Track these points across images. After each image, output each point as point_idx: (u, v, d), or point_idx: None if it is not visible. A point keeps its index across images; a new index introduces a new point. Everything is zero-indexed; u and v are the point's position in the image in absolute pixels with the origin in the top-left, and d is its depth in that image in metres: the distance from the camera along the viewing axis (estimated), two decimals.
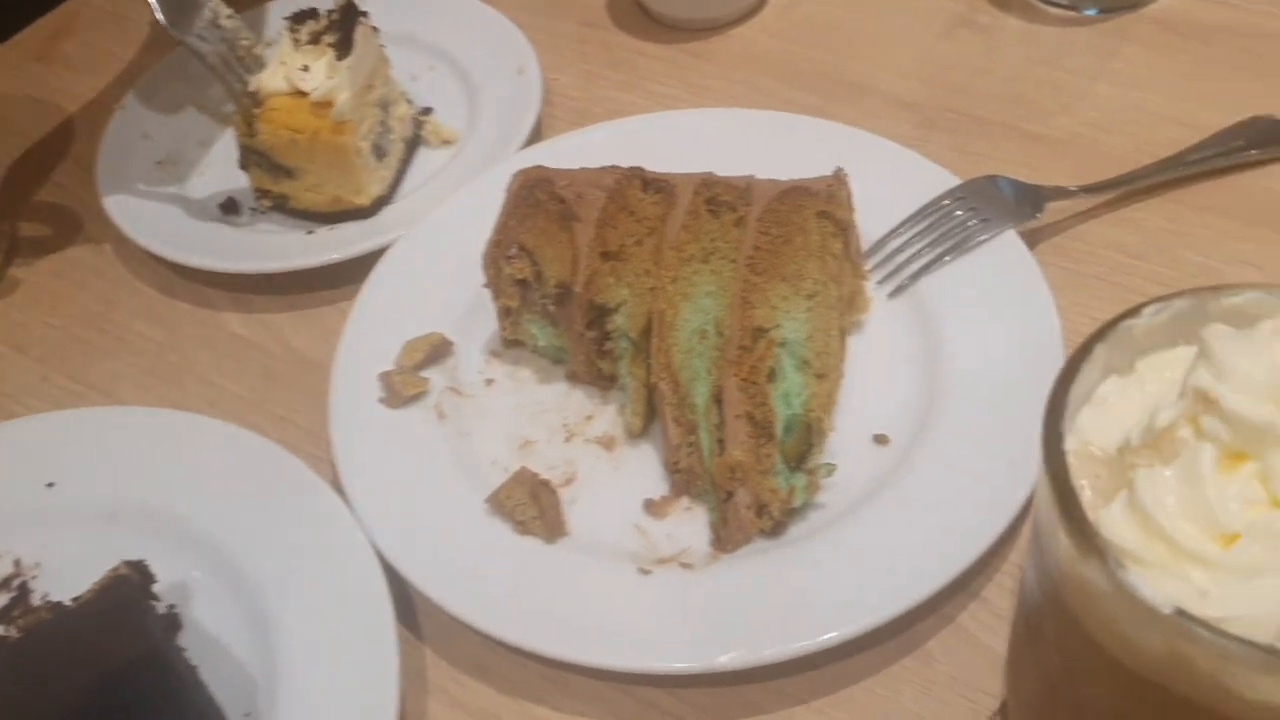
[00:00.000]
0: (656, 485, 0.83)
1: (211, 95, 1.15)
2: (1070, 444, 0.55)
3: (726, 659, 0.72)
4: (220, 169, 1.10)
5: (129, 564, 0.76)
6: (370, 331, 0.92)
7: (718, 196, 0.85)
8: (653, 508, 0.82)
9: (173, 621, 0.80)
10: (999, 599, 0.77)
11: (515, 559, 0.79)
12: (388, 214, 1.04)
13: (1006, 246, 0.90)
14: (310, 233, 1.04)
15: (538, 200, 0.86)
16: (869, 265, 0.93)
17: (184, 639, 0.79)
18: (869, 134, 0.99)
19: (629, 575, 0.78)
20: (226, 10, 1.04)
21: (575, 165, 0.91)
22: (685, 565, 0.78)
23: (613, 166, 0.88)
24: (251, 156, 1.02)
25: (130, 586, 0.74)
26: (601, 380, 0.89)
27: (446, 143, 1.10)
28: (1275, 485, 0.48)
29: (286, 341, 1.00)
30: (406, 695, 0.78)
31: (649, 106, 1.11)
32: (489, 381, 0.91)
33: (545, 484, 0.81)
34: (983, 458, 0.79)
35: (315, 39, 0.99)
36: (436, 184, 1.05)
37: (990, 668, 0.74)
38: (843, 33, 1.18)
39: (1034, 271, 0.88)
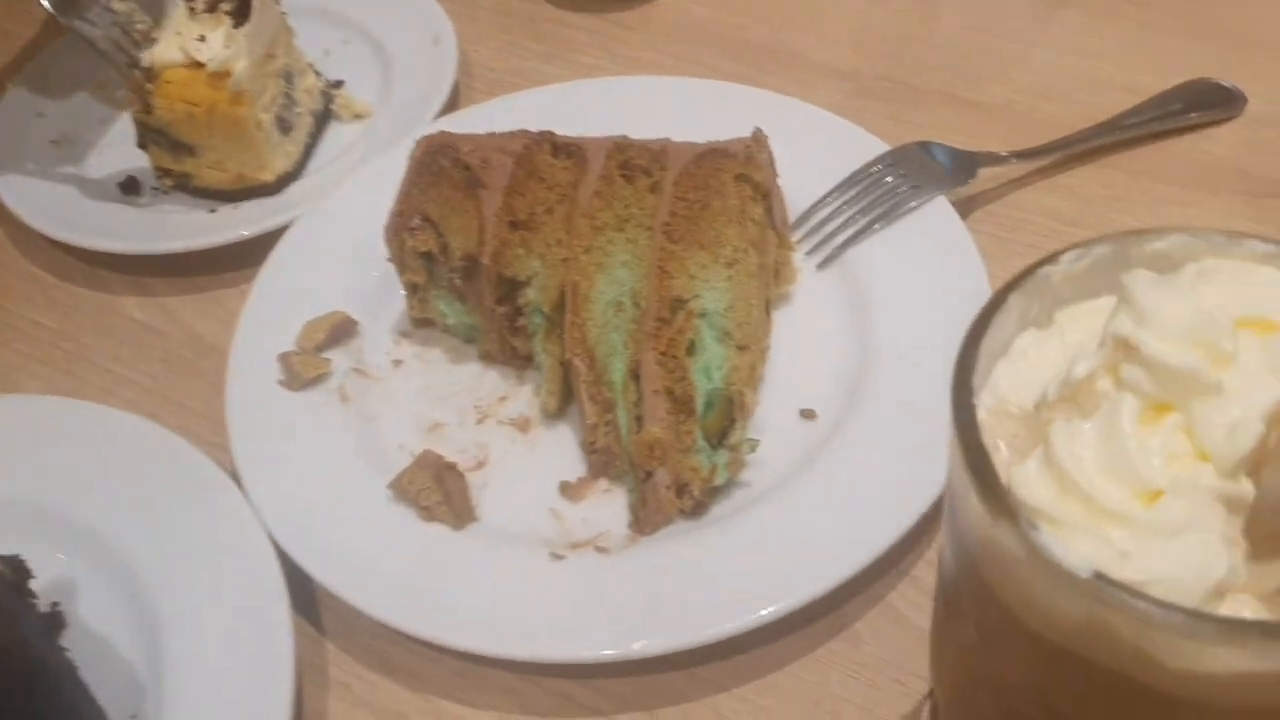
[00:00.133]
0: (573, 467, 0.79)
1: (111, 74, 1.09)
2: (985, 401, 0.51)
3: (640, 645, 0.68)
4: (120, 148, 1.04)
5: (2, 559, 0.71)
6: (271, 312, 0.87)
7: (632, 161, 0.81)
8: (569, 491, 0.78)
9: (55, 620, 0.75)
10: (929, 577, 0.74)
11: (421, 547, 0.75)
12: (295, 190, 0.99)
13: (937, 213, 0.87)
14: (213, 211, 0.99)
15: (441, 168, 0.82)
16: (797, 236, 0.89)
17: (67, 638, 0.74)
18: (798, 101, 0.95)
19: (541, 561, 0.73)
20: None
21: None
22: (601, 549, 0.74)
23: (521, 131, 0.84)
24: (149, 134, 0.97)
25: (1, 583, 0.69)
26: (516, 359, 0.84)
27: (358, 117, 1.05)
28: (1201, 437, 0.44)
29: (188, 326, 0.94)
30: (306, 694, 0.73)
31: (573, 78, 1.07)
32: (397, 363, 0.86)
33: (451, 468, 0.76)
34: (912, 430, 0.75)
35: (211, 7, 0.94)
36: (347, 159, 1.01)
37: (921, 648, 0.70)
38: (774, 1, 1.15)
39: (965, 239, 0.85)
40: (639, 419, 0.75)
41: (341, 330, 0.86)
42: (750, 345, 0.76)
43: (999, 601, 0.48)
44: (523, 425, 0.82)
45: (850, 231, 0.87)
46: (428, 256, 0.82)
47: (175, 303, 0.96)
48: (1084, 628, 0.44)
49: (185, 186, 1.00)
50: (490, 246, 0.79)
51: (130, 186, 1.02)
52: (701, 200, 0.78)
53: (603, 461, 0.78)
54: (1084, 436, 0.46)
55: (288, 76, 0.99)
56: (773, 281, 0.84)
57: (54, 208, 0.99)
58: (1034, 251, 0.88)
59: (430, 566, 0.74)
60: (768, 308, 0.83)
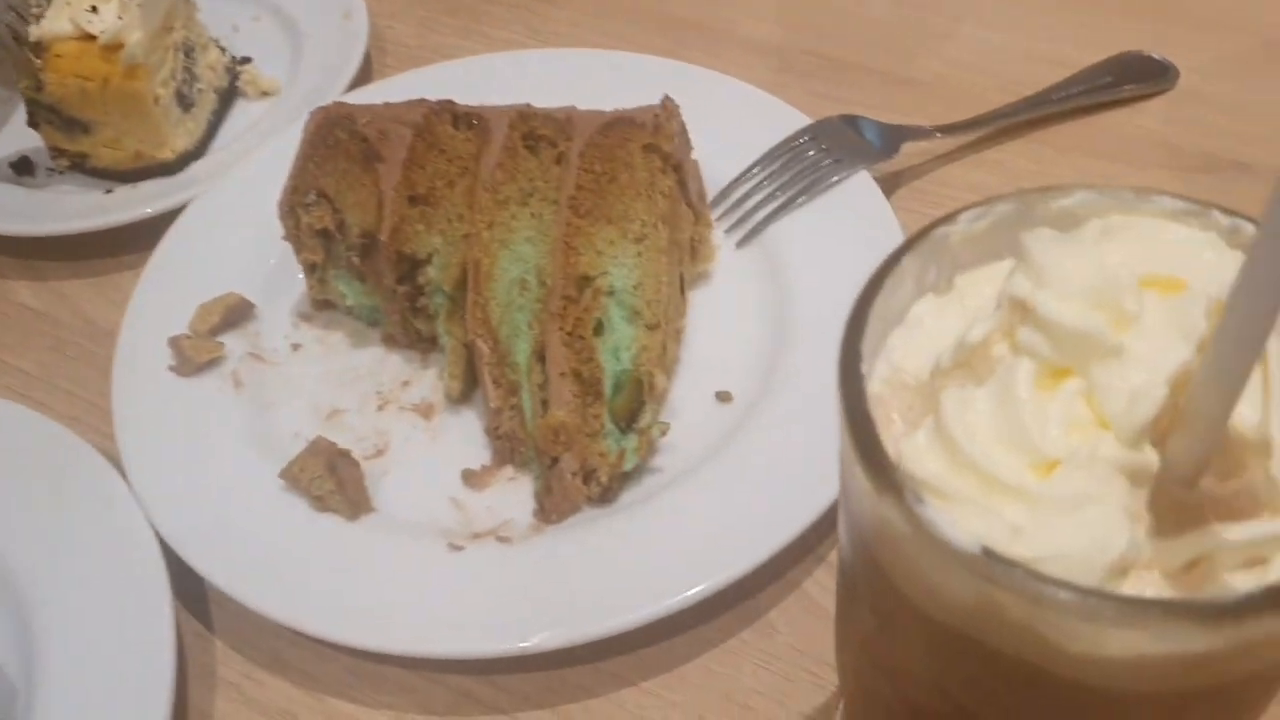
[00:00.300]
0: (478, 455, 0.75)
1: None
2: (879, 371, 0.48)
3: (541, 639, 0.65)
4: (14, 127, 1.00)
5: None
6: (162, 294, 0.83)
7: (536, 131, 0.77)
8: (472, 479, 0.74)
9: None
10: None
11: (313, 539, 0.71)
12: (196, 169, 0.95)
13: (860, 188, 0.84)
14: (109, 192, 0.94)
15: (337, 140, 0.78)
16: (716, 213, 0.86)
17: None
18: (718, 74, 0.92)
19: (439, 553, 0.69)
20: None
21: None
22: (503, 539, 0.70)
23: (420, 100, 0.80)
24: (41, 112, 0.92)
25: None
26: (421, 343, 0.80)
27: (266, 94, 1.01)
28: (1101, 404, 0.41)
29: (81, 311, 0.90)
30: (191, 694, 0.69)
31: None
32: (295, 347, 0.82)
33: (345, 455, 0.72)
34: (829, 411, 0.72)
35: None
36: (253, 137, 0.97)
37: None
38: None
39: (888, 214, 0.82)
40: (544, 403, 0.72)
41: (237, 313, 0.82)
42: (661, 324, 0.73)
43: (891, 583, 0.44)
44: (426, 411, 0.78)
45: (771, 207, 0.84)
46: (324, 234, 0.78)
47: (69, 287, 0.92)
48: (976, 610, 0.41)
49: (81, 166, 0.96)
50: (388, 223, 0.75)
51: (23, 167, 0.97)
52: (608, 172, 0.74)
53: (507, 448, 0.74)
54: (977, 405, 0.43)
55: (188, 50, 0.95)
56: (688, 259, 0.81)
57: None
58: None
59: (323, 559, 0.70)
60: (682, 286, 0.79)
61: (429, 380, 0.80)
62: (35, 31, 0.89)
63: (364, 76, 1.01)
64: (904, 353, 0.49)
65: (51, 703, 0.65)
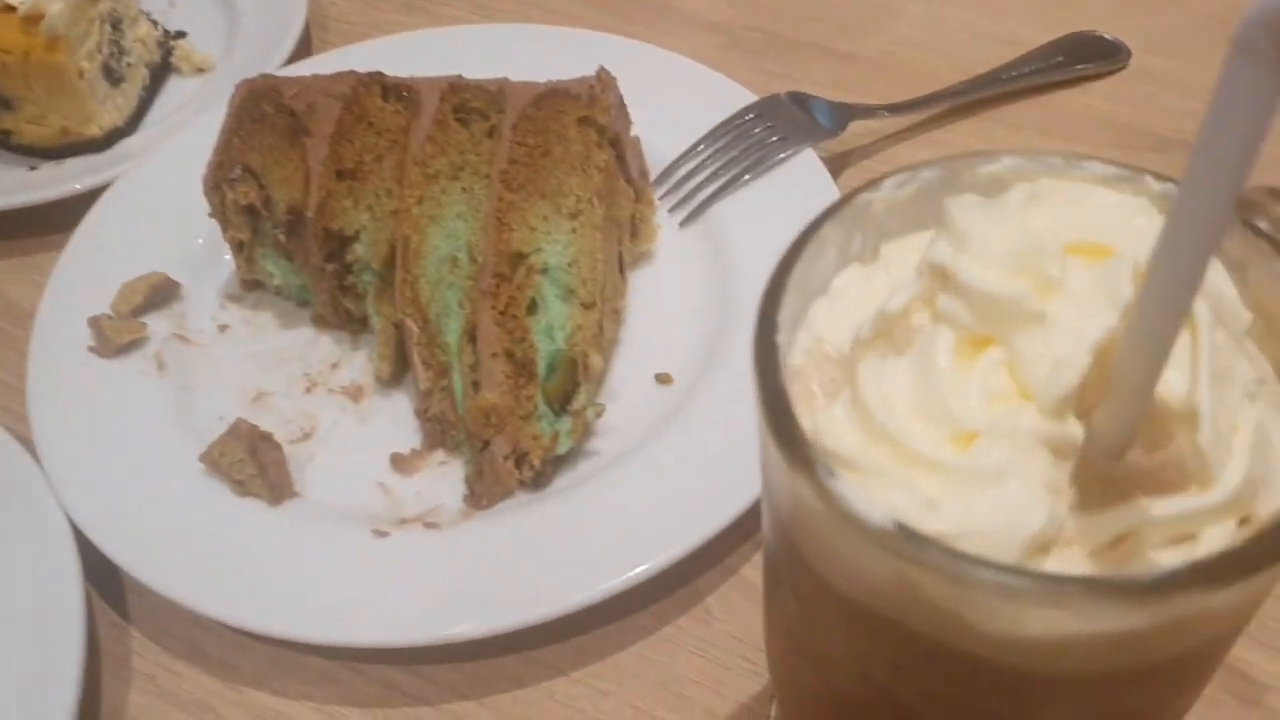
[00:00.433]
0: (408, 438, 0.73)
1: None
2: (801, 342, 0.46)
3: (466, 627, 0.63)
4: None
5: None
6: (84, 273, 0.80)
7: (467, 103, 0.74)
8: (401, 463, 0.72)
9: None
10: None
11: (234, 525, 0.68)
12: (125, 146, 0.92)
13: (805, 166, 0.82)
14: (33, 169, 0.91)
15: (264, 114, 0.75)
16: (659, 193, 0.84)
17: None
18: (661, 49, 0.90)
19: (363, 539, 0.67)
20: None
21: None
22: (430, 525, 0.68)
23: (349, 72, 0.77)
24: None
25: None
26: (351, 323, 0.78)
27: (201, 70, 0.98)
28: (1024, 373, 0.39)
29: (2, 292, 0.87)
30: (105, 687, 0.67)
31: None
32: (223, 328, 0.80)
33: (267, 438, 0.70)
34: None
35: None
36: (186, 114, 0.94)
37: None
38: None
39: (833, 194, 0.80)
40: (475, 384, 0.69)
41: (161, 293, 0.79)
42: (597, 303, 0.71)
43: (808, 564, 0.43)
44: (355, 394, 0.75)
45: (714, 186, 0.82)
46: (250, 210, 0.75)
47: None
48: (892, 589, 0.39)
49: (5, 143, 0.92)
50: (315, 198, 0.73)
51: None
52: (542, 146, 0.72)
53: (438, 431, 0.72)
54: (895, 375, 0.41)
55: (114, 23, 0.92)
56: (628, 239, 0.78)
57: None
58: None
59: (243, 546, 0.67)
60: (621, 266, 0.77)
61: (359, 362, 0.77)
62: None
63: (303, 53, 0.98)
64: (827, 324, 0.47)
65: None
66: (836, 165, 0.86)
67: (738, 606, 0.67)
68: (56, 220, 0.88)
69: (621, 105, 0.76)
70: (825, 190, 0.80)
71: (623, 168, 0.76)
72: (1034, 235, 0.40)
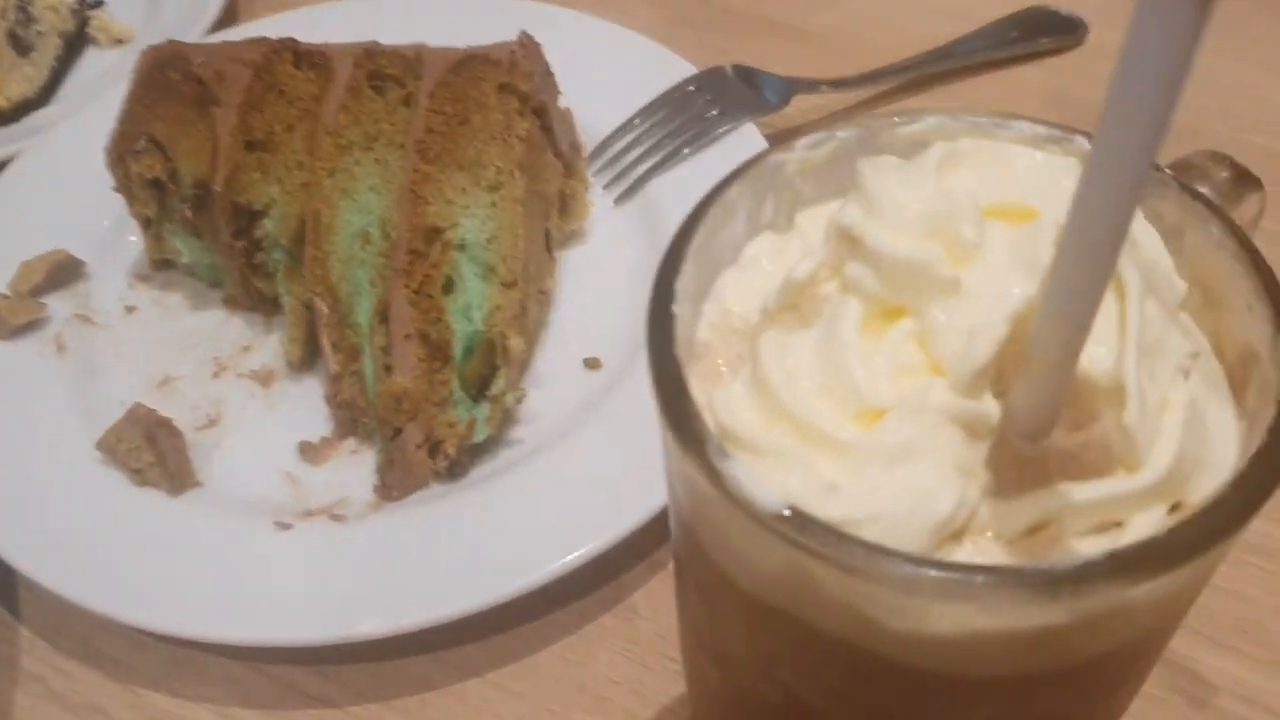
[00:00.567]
0: (319, 426, 0.69)
1: None
2: (708, 314, 0.43)
3: (371, 625, 0.59)
4: None
5: None
6: None
7: (382, 70, 0.70)
8: (309, 452, 0.68)
9: None
10: None
11: (130, 517, 0.64)
12: (37, 119, 0.88)
13: (745, 142, 0.79)
14: None
15: (170, 82, 0.71)
16: (594, 169, 0.80)
17: None
18: (596, 19, 0.86)
19: (264, 532, 0.63)
20: None
21: None
22: (336, 518, 0.64)
23: (260, 38, 0.73)
24: None
25: None
26: (264, 304, 0.74)
27: (120, 41, 0.94)
28: (935, 345, 0.36)
29: None
30: None
31: None
32: (130, 309, 0.75)
33: (165, 423, 0.66)
34: None
35: None
36: (102, 86, 0.89)
37: None
38: None
39: None
40: (387, 367, 0.65)
41: (64, 272, 0.75)
42: (519, 282, 0.67)
43: (705, 553, 0.39)
44: (265, 378, 0.71)
45: (651, 161, 0.79)
46: (156, 184, 0.71)
47: None
48: (788, 581, 0.35)
49: None
50: (223, 171, 0.69)
51: None
52: (460, 114, 0.68)
53: (349, 418, 0.68)
54: (798, 349, 0.37)
55: None
56: (556, 215, 0.75)
57: None
58: None
59: (140, 539, 0.63)
60: (549, 244, 0.74)
61: (272, 345, 0.73)
62: None
63: (228, 23, 0.94)
64: (736, 295, 0.43)
65: None
66: (779, 140, 0.82)
67: (665, 604, 0.64)
68: None
69: (547, 72, 0.73)
70: None
71: (550, 139, 0.72)
72: (949, 196, 0.37)
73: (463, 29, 0.73)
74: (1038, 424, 0.36)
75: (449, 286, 0.67)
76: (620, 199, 0.79)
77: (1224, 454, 0.37)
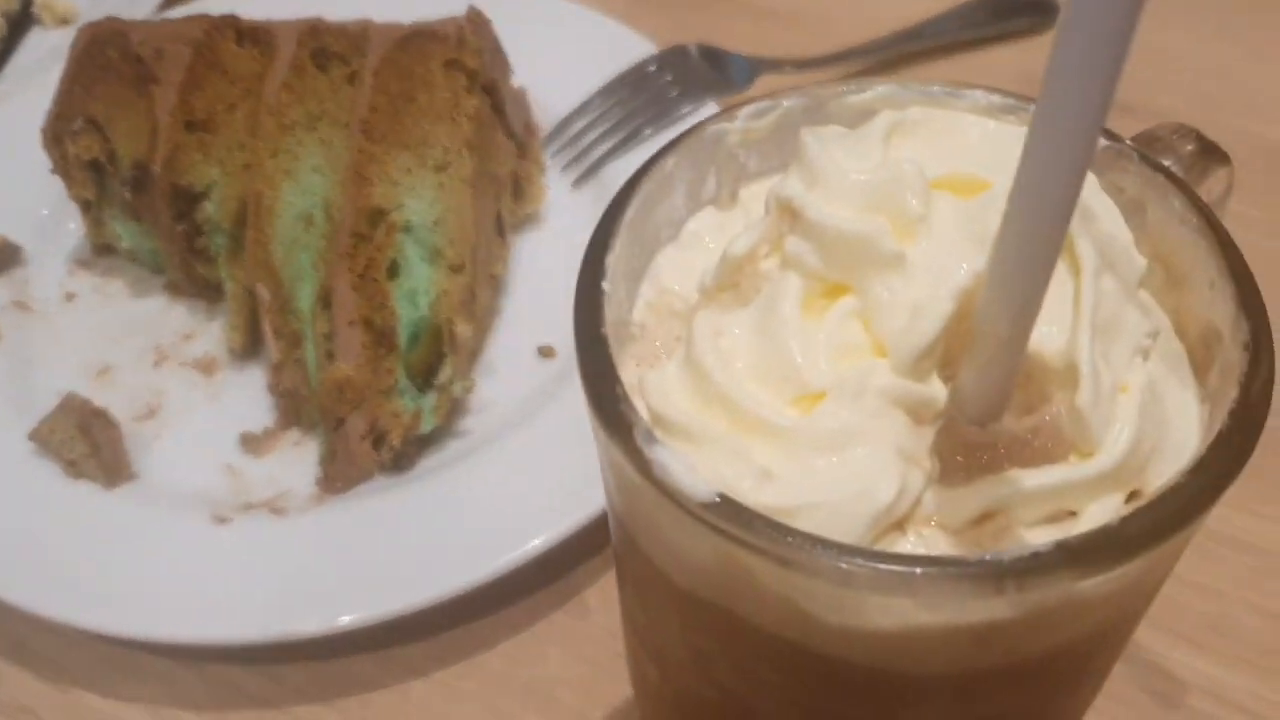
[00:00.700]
0: (262, 417, 0.67)
1: None
2: (645, 293, 0.41)
3: (308, 625, 0.56)
4: None
5: None
6: None
7: (327, 47, 0.68)
8: (251, 444, 0.65)
9: None
10: None
11: (63, 511, 0.62)
12: None
13: None
14: None
15: (108, 60, 0.68)
16: (551, 150, 0.78)
17: None
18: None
19: (201, 526, 0.61)
20: None
21: None
22: (276, 511, 0.62)
23: (201, 15, 0.70)
24: None
25: None
26: (207, 290, 0.72)
27: (65, 21, 0.91)
28: (879, 324, 0.34)
29: None
30: None
31: None
32: (70, 296, 0.73)
33: (100, 414, 0.63)
34: None
35: None
36: (46, 67, 0.86)
37: None
38: None
39: None
40: (330, 355, 0.63)
41: (1, 257, 0.72)
42: (467, 266, 0.65)
43: (638, 545, 0.37)
44: (207, 367, 0.69)
45: (611, 143, 0.76)
46: (95, 166, 0.69)
47: None
48: (720, 574, 0.33)
49: None
50: (163, 152, 0.66)
51: None
52: (405, 92, 0.66)
53: (291, 408, 0.65)
54: (734, 329, 0.35)
55: None
56: (509, 198, 0.72)
57: None
58: None
59: (73, 534, 0.61)
60: (502, 228, 0.71)
61: (214, 333, 0.71)
62: None
63: (175, 0, 0.91)
64: (675, 274, 0.41)
65: None
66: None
67: (616, 600, 0.62)
68: None
69: (497, 49, 0.70)
70: None
71: (501, 119, 0.70)
72: (894, 166, 0.35)
73: (410, 5, 0.71)
74: (986, 407, 0.34)
75: (394, 270, 0.64)
76: (578, 181, 0.76)
77: (1185, 439, 0.35)
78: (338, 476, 0.62)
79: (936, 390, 0.33)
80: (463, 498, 0.61)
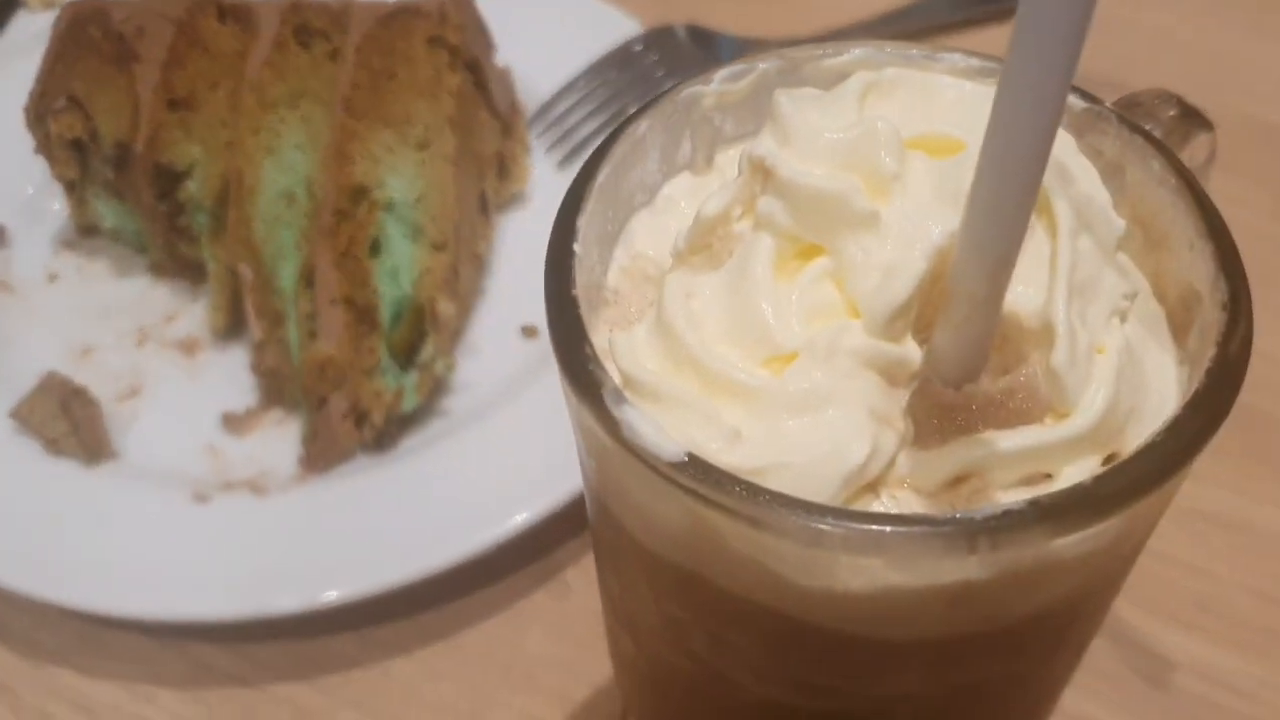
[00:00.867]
0: (244, 397, 0.66)
1: None
2: (619, 258, 0.40)
3: (286, 602, 0.56)
4: None
5: None
6: None
7: (309, 24, 0.67)
8: (233, 423, 0.65)
9: None
10: None
11: (42, 488, 0.61)
12: None
13: None
14: None
15: (90, 39, 0.68)
16: (537, 130, 0.77)
17: None
18: None
19: (181, 504, 0.60)
20: None
21: None
22: (257, 490, 0.61)
23: None
24: None
25: None
26: (189, 271, 0.71)
27: (50, 4, 0.90)
28: (852, 284, 0.33)
29: None
30: None
31: None
32: (53, 277, 0.72)
33: (80, 392, 0.63)
34: None
35: None
36: (30, 50, 0.86)
37: None
38: None
39: None
40: (312, 334, 0.62)
41: None
42: (450, 244, 0.64)
43: (609, 511, 0.36)
44: (189, 348, 0.68)
45: (597, 123, 0.76)
46: (78, 145, 0.68)
47: None
48: (691, 537, 0.32)
49: None
50: (145, 130, 0.66)
51: None
52: (387, 69, 0.65)
53: (273, 387, 0.65)
54: (705, 290, 0.34)
55: None
56: (494, 177, 0.72)
57: None
58: None
59: (52, 511, 0.60)
60: (486, 207, 0.71)
61: (197, 314, 0.70)
62: None
63: None
64: (649, 239, 0.40)
65: None
66: None
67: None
68: None
69: (480, 26, 0.70)
70: None
71: (485, 97, 0.69)
72: (868, 124, 0.34)
73: None
74: (961, 367, 0.33)
75: (376, 248, 0.64)
76: (563, 162, 0.76)
77: (1163, 402, 0.35)
78: (319, 455, 0.62)
79: (911, 351, 0.33)
80: (445, 477, 0.61)
